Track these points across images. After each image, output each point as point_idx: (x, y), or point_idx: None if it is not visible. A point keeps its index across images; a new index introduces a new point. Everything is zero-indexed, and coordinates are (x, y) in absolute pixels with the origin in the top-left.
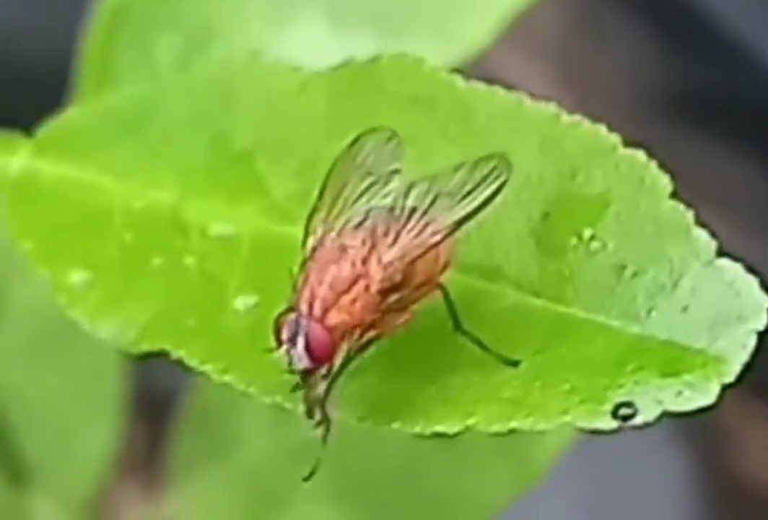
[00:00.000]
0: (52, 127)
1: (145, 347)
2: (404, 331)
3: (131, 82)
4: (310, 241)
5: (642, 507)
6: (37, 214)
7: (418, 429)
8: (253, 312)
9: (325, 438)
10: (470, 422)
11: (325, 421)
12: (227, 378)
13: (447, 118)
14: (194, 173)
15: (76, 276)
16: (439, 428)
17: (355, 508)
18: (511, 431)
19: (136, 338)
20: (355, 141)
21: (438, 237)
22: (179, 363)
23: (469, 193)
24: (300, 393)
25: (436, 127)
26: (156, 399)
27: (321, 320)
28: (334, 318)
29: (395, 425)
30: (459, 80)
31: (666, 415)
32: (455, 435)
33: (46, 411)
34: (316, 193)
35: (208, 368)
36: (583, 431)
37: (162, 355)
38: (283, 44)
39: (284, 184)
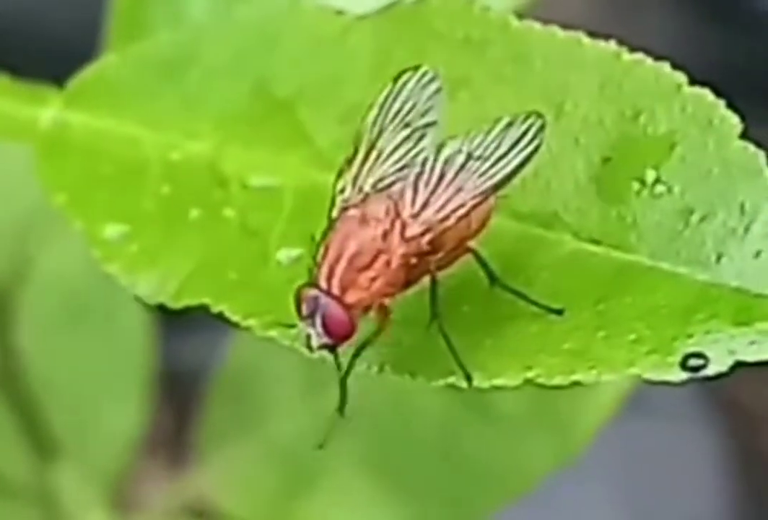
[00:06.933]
0: (83, 77)
1: (186, 301)
2: (459, 284)
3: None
4: (338, 202)
5: (675, 487)
6: (69, 168)
7: (475, 383)
8: (296, 264)
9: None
10: (530, 374)
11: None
12: (271, 333)
13: (501, 59)
14: (234, 122)
15: (112, 229)
16: (498, 381)
17: (390, 479)
18: (574, 384)
19: (176, 292)
20: (395, 82)
21: (465, 210)
22: (220, 317)
23: (502, 156)
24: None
25: (489, 69)
26: (184, 374)
27: (339, 298)
28: (352, 296)
29: (450, 380)
30: (513, 20)
31: (739, 365)
32: (515, 388)
33: (72, 386)
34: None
35: (251, 322)
36: (651, 383)
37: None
38: None
39: (328, 132)
